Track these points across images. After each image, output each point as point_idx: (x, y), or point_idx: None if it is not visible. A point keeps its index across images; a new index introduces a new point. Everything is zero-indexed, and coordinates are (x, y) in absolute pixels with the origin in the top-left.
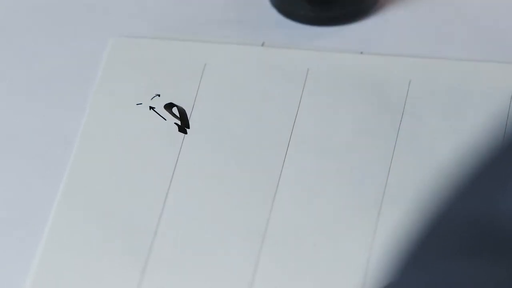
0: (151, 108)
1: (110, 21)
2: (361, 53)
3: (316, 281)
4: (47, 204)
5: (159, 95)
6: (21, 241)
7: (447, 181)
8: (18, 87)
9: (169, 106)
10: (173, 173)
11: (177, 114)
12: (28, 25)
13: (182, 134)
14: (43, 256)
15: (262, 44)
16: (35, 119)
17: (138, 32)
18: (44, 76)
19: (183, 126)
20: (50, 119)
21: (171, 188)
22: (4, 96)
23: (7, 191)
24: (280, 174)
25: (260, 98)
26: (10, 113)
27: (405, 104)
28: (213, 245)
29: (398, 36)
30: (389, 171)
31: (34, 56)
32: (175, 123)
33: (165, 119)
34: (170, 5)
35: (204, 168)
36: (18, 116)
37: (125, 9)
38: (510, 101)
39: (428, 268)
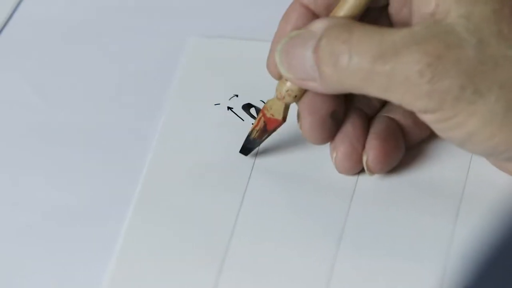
0: (229, 108)
1: (188, 21)
2: None
3: (391, 283)
4: (125, 204)
5: (237, 96)
6: (98, 239)
7: None
8: (100, 86)
9: (247, 107)
10: (250, 172)
11: (255, 115)
12: (107, 25)
13: None
14: (120, 255)
15: None
16: (116, 118)
17: (217, 32)
18: (126, 74)
19: None
20: (130, 118)
21: (248, 188)
22: (88, 96)
23: (86, 189)
24: (356, 182)
25: None
26: (92, 111)
27: None
28: (289, 246)
29: None
30: (467, 176)
31: (118, 56)
32: (252, 123)
33: (243, 120)
34: (249, 5)
35: (281, 167)
36: (100, 116)
37: (204, 9)
38: None
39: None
